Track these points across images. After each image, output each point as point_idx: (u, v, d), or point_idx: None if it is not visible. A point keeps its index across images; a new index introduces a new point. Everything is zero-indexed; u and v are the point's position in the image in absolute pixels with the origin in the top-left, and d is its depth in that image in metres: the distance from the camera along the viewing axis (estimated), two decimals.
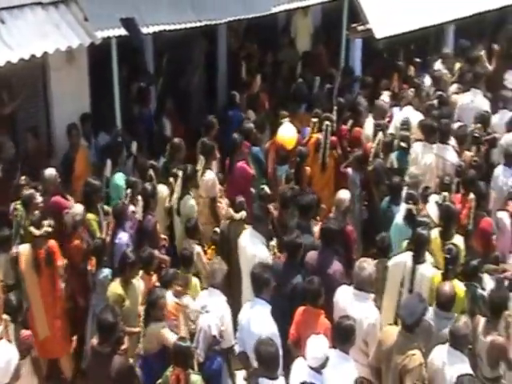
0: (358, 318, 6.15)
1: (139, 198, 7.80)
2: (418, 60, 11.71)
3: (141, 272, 7.01)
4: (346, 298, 6.51)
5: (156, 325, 6.26)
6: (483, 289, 6.68)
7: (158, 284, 6.94)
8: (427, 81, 11.00)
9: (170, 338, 6.15)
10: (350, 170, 8.89)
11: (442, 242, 7.33)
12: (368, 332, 6.28)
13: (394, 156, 9.03)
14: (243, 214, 7.76)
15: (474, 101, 10.28)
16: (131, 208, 7.77)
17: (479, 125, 9.53)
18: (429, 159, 8.96)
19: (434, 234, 7.45)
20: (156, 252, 7.39)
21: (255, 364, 5.82)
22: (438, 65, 11.52)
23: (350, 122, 9.88)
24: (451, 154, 8.97)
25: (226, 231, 7.83)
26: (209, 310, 6.52)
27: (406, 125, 9.34)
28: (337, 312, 6.51)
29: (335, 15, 11.41)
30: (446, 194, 7.99)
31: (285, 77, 11.34)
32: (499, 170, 8.76)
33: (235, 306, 6.99)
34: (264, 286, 6.33)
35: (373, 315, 6.38)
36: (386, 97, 10.63)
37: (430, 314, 6.25)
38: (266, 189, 8.15)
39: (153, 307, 6.28)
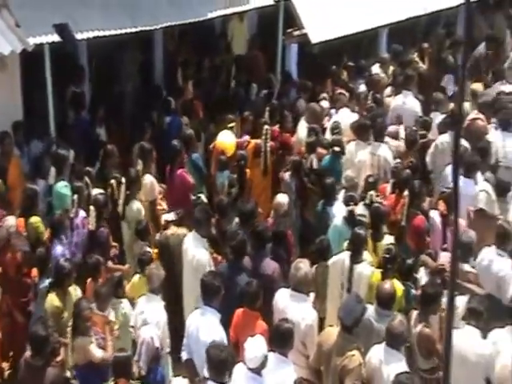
0: (295, 320, 6.21)
1: (91, 207, 7.74)
2: (352, 64, 11.87)
3: (88, 280, 6.95)
4: (284, 300, 6.57)
5: (83, 339, 6.18)
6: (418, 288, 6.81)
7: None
8: (362, 84, 11.19)
9: (97, 354, 6.08)
10: (286, 175, 8.94)
11: (372, 243, 7.47)
12: (306, 333, 6.34)
13: (327, 159, 9.14)
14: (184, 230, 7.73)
15: (406, 102, 10.51)
16: (82, 214, 7.71)
17: (414, 127, 9.76)
18: (363, 156, 9.12)
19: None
20: (110, 263, 7.39)
21: (202, 371, 5.81)
22: (375, 68, 11.73)
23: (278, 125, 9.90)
24: (386, 151, 9.15)
25: (165, 239, 7.77)
26: (146, 316, 6.48)
27: (336, 128, 9.48)
28: (276, 314, 6.56)
29: (271, 20, 11.47)
30: (372, 192, 8.14)
31: (222, 82, 11.34)
32: (448, 170, 8.92)
33: (177, 310, 6.99)
34: (215, 294, 6.32)
35: (310, 316, 6.45)
36: (324, 101, 10.75)
37: (371, 312, 6.35)
38: (203, 197, 8.17)
39: (77, 319, 6.21)
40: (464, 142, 9.30)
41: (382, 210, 7.71)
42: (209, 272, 6.63)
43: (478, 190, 8.42)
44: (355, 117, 9.90)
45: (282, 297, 6.61)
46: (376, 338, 6.19)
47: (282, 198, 8.02)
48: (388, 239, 7.50)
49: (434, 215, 8.10)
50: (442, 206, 8.11)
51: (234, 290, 6.59)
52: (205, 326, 6.21)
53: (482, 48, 12.83)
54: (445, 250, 7.96)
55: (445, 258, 7.05)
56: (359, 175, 8.86)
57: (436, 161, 9.60)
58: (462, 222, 8.06)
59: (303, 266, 6.60)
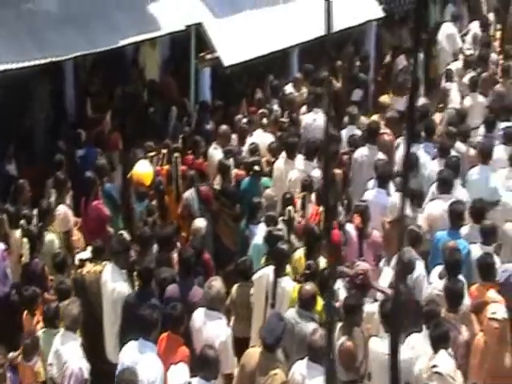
0: (210, 338, 6.30)
1: (25, 240, 7.64)
2: (266, 84, 12.04)
3: (25, 312, 6.89)
4: (199, 319, 6.63)
5: None
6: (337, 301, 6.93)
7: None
8: (276, 104, 11.36)
9: None
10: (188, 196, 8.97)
11: (305, 260, 7.57)
12: (220, 350, 6.35)
13: (246, 180, 9.22)
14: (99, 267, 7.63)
15: (317, 119, 10.73)
16: (1, 246, 7.60)
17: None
18: (293, 175, 9.27)
19: (299, 253, 7.74)
20: (46, 294, 7.27)
21: None
22: (289, 88, 11.89)
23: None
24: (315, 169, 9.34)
25: (81, 277, 7.60)
26: (61, 353, 6.37)
27: (253, 150, 9.56)
28: (194, 334, 6.62)
29: (183, 45, 11.52)
30: (289, 208, 8.24)
31: (137, 110, 11.29)
32: (370, 184, 9.19)
33: (96, 346, 6.89)
34: (153, 327, 6.27)
35: (224, 333, 6.52)
36: (241, 122, 10.85)
37: (293, 314, 6.49)
38: (125, 234, 8.14)
39: None
40: (381, 155, 9.63)
41: (311, 228, 7.86)
42: (147, 305, 6.56)
43: (391, 201, 8.63)
44: (269, 137, 10.04)
45: (198, 316, 6.66)
46: (298, 340, 6.33)
47: (200, 223, 8.06)
48: (300, 252, 7.68)
49: (350, 228, 8.27)
50: (357, 219, 8.29)
51: (141, 317, 6.51)
52: (143, 363, 6.10)
53: (402, 59, 13.36)
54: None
55: (363, 266, 7.19)
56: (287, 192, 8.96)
57: (354, 174, 9.85)
58: (377, 233, 8.30)
59: (216, 283, 6.67)
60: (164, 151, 9.46)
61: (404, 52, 13.56)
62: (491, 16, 15.97)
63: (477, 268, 7.23)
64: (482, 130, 10.85)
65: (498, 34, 15.70)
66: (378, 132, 10.13)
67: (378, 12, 14.19)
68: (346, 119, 10.91)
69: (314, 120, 10.71)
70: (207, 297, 6.61)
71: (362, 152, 9.86)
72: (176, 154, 9.12)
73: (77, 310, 6.55)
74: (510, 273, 7.13)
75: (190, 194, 8.88)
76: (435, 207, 8.51)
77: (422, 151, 9.93)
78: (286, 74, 12.53)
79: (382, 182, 8.88)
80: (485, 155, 9.52)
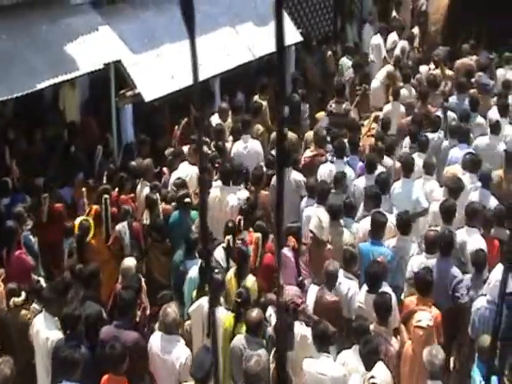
0: (169, 361, 6.43)
1: None
2: (191, 116, 12.06)
3: None
4: (157, 344, 6.73)
5: None
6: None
7: None
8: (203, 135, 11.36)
9: None
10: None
11: (236, 280, 7.69)
12: (181, 372, 6.46)
13: (175, 214, 9.15)
14: (23, 297, 7.47)
15: (248, 146, 10.78)
16: None
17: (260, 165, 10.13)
18: (232, 201, 9.31)
19: (230, 274, 7.79)
20: None
21: None
22: (215, 119, 11.92)
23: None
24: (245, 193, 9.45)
25: (5, 319, 7.44)
26: None
27: (180, 184, 9.51)
28: (151, 358, 6.73)
29: (103, 84, 11.45)
30: (229, 237, 8.24)
31: (57, 152, 11.12)
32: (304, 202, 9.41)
33: None
34: (75, 367, 6.14)
35: (183, 354, 6.62)
36: (168, 156, 10.81)
37: (242, 340, 6.54)
38: (42, 281, 7.97)
39: None
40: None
41: (243, 251, 7.95)
42: (67, 346, 6.42)
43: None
44: (195, 169, 10.03)
45: (155, 341, 6.77)
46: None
47: (130, 262, 7.97)
48: (250, 278, 7.70)
49: (286, 251, 8.30)
50: (291, 240, 8.33)
51: (62, 358, 6.38)
52: None
53: (350, 72, 13.90)
54: (301, 282, 8.20)
55: (291, 291, 7.23)
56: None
57: (286, 196, 9.89)
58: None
59: (171, 310, 6.74)
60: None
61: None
62: (415, 29, 16.51)
63: (415, 283, 7.35)
64: (406, 141, 11.08)
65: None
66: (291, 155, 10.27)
67: (296, 36, 14.41)
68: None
69: (244, 147, 10.75)
70: (164, 322, 6.71)
71: (293, 176, 9.95)
72: (106, 196, 9.00)
73: (9, 369, 6.34)
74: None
75: (122, 226, 8.82)
76: (366, 224, 8.62)
77: (347, 167, 10.11)
78: (209, 104, 12.57)
79: (321, 199, 9.02)
80: (406, 168, 9.72)
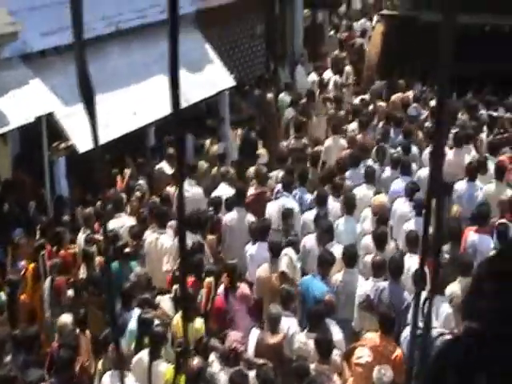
0: None
1: None
2: (135, 163, 12.01)
3: None
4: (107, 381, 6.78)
5: None
6: None
7: None
8: (144, 183, 11.33)
9: None
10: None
11: (183, 324, 7.45)
12: None
13: (115, 265, 9.01)
14: None
15: (190, 191, 10.76)
16: None
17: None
18: (167, 243, 9.24)
19: (176, 318, 7.73)
20: None
21: None
22: (162, 165, 11.96)
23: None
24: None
25: None
26: None
27: (114, 238, 9.40)
28: None
29: (35, 137, 11.30)
30: (176, 287, 8.17)
31: None
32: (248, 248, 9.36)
33: None
34: None
35: None
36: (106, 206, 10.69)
37: None
38: None
39: None
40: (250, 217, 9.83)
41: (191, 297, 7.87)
42: None
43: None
44: (132, 221, 9.99)
45: (106, 379, 6.79)
46: None
47: (66, 318, 7.81)
48: (198, 321, 7.67)
49: (243, 287, 8.42)
50: (226, 279, 8.34)
51: None
52: None
53: (291, 111, 14.42)
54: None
55: (233, 336, 7.18)
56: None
57: (226, 238, 9.93)
58: (245, 285, 8.46)
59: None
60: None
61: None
62: (348, 68, 16.99)
63: (378, 321, 7.37)
64: (348, 173, 11.25)
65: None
66: (245, 194, 10.37)
67: (229, 81, 14.56)
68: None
69: (187, 192, 10.77)
70: (112, 359, 6.81)
71: (231, 216, 9.96)
72: (42, 252, 8.83)
73: None
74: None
75: (46, 283, 8.67)
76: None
77: (293, 201, 10.24)
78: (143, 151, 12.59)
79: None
80: (349, 206, 9.84)
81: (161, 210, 9.76)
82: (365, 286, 8.10)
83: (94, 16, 11.32)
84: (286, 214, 9.64)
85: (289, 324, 7.62)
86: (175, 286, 8.27)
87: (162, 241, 9.35)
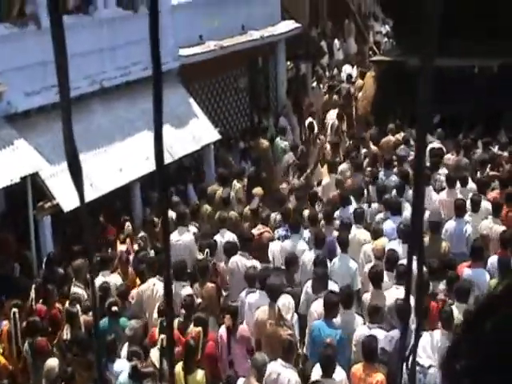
0: None
1: None
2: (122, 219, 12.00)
3: None
4: None
5: None
6: None
7: None
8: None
9: None
10: None
11: (184, 375, 7.50)
12: None
13: (104, 321, 8.89)
14: None
15: (180, 239, 10.70)
16: None
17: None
18: (161, 290, 9.09)
19: (178, 368, 7.53)
20: None
21: None
22: (149, 216, 12.09)
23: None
24: None
25: None
26: None
27: (107, 290, 9.30)
28: None
29: (20, 196, 11.25)
30: (162, 336, 8.04)
31: None
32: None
33: None
34: None
35: None
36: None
37: None
38: None
39: None
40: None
41: (190, 345, 7.75)
42: None
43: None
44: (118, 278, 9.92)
45: None
46: None
47: (52, 362, 7.71)
48: (199, 373, 7.59)
49: (221, 331, 8.36)
50: (228, 320, 8.35)
51: None
52: None
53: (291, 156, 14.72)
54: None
55: None
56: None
57: (228, 282, 9.98)
58: (244, 327, 8.45)
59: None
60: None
61: None
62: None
63: (361, 350, 7.51)
64: (337, 212, 11.38)
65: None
66: (252, 239, 10.43)
67: (214, 135, 14.64)
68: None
69: (177, 240, 10.71)
70: None
71: (235, 260, 9.98)
72: (14, 310, 8.67)
73: None
74: None
75: (27, 344, 8.48)
76: (319, 307, 8.57)
77: (301, 242, 10.36)
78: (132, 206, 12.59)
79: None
80: (343, 245, 9.91)
81: (151, 259, 9.81)
82: (359, 332, 8.03)
83: (77, 75, 11.38)
84: (290, 261, 9.57)
85: (289, 377, 7.47)
86: (162, 336, 8.12)
87: (158, 287, 9.30)
